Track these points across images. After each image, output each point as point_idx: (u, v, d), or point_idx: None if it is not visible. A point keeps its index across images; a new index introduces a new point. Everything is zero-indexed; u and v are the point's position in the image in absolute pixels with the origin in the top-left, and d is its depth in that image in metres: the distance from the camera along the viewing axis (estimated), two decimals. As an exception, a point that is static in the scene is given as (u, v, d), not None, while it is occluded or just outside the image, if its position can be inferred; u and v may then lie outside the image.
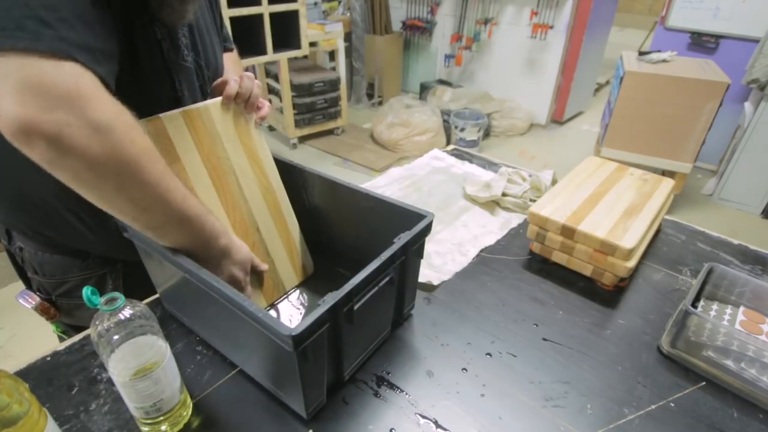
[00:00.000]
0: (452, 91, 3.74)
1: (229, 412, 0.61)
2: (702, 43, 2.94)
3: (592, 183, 0.98)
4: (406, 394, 0.64)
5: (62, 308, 0.82)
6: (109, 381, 0.64)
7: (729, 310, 0.77)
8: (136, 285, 0.76)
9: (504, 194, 1.10)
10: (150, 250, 0.63)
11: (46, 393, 0.62)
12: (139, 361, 0.51)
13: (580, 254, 0.85)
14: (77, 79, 0.45)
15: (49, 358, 0.68)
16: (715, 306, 0.78)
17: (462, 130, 3.35)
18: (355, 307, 0.56)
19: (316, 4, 3.65)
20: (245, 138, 0.76)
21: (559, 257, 0.89)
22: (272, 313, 0.78)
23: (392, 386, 0.65)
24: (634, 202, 0.91)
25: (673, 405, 0.63)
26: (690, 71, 2.41)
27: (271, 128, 3.82)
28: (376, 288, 0.59)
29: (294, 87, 3.27)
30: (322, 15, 3.77)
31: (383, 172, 1.31)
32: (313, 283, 0.85)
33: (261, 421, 0.60)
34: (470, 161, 1.34)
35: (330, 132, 3.68)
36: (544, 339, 0.74)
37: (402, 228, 0.64)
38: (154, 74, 0.67)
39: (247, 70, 0.93)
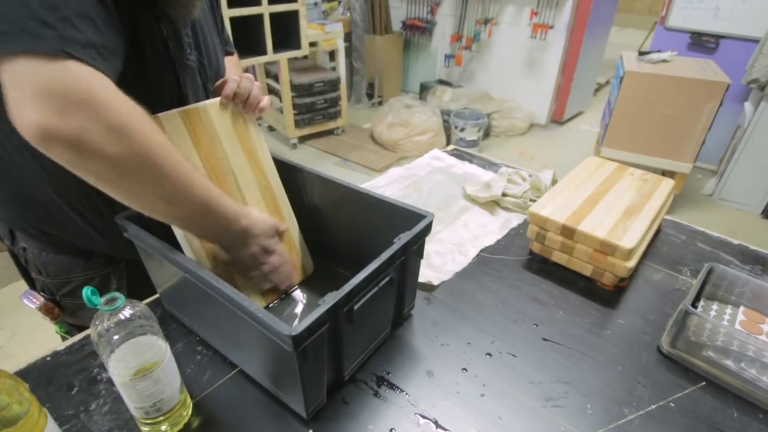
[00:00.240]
0: (452, 91, 3.74)
1: (229, 412, 0.61)
2: (702, 43, 2.94)
3: (592, 183, 0.98)
4: (406, 394, 0.64)
5: (66, 308, 0.83)
6: (109, 381, 0.64)
7: (729, 310, 0.77)
8: (140, 284, 0.77)
9: (504, 194, 1.10)
10: (150, 250, 0.63)
11: (46, 393, 0.62)
12: (139, 361, 0.51)
13: (580, 254, 0.85)
14: (88, 81, 0.46)
15: (49, 358, 0.68)
16: (715, 306, 0.78)
17: (462, 130, 3.35)
18: (355, 307, 0.56)
19: (316, 4, 3.65)
20: (244, 138, 0.76)
21: (559, 257, 0.89)
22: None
23: (392, 386, 0.65)
24: (634, 202, 0.91)
25: (673, 405, 0.63)
26: (690, 71, 2.41)
27: (271, 128, 3.82)
28: (376, 288, 0.59)
29: (294, 87, 3.27)
30: (322, 15, 3.77)
31: (383, 172, 1.31)
32: (313, 283, 0.85)
33: (261, 421, 0.60)
34: (470, 161, 1.34)
35: (330, 132, 3.68)
36: (544, 339, 0.74)
37: (402, 228, 0.64)
38: (159, 72, 0.67)
39: (246, 70, 0.93)
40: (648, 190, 0.96)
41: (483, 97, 3.73)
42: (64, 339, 0.85)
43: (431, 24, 4.15)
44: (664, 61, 2.56)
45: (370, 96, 4.42)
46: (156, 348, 0.52)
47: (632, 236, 0.80)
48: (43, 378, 0.65)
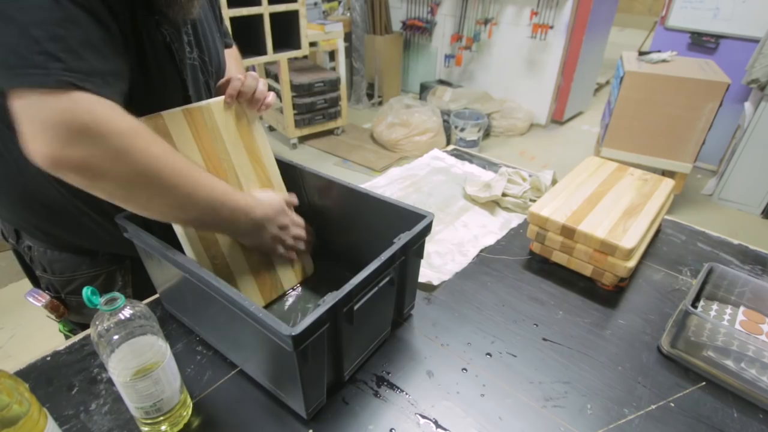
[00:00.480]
0: (452, 91, 3.74)
1: (229, 412, 0.61)
2: (702, 43, 2.95)
3: (592, 183, 0.98)
4: (406, 394, 0.64)
5: (71, 306, 0.83)
6: (109, 381, 0.64)
7: (729, 310, 0.77)
8: (146, 281, 0.77)
9: (504, 194, 1.10)
10: (150, 250, 0.63)
11: (46, 393, 0.62)
12: (139, 361, 0.51)
13: (580, 254, 0.85)
14: (92, 110, 0.48)
15: (49, 358, 0.68)
16: (715, 306, 0.78)
17: (462, 130, 3.35)
18: (355, 307, 0.56)
19: (316, 4, 3.65)
20: (247, 137, 0.76)
21: (559, 257, 0.89)
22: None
23: (392, 386, 0.65)
24: (634, 202, 0.91)
25: (673, 405, 0.63)
26: (690, 71, 2.41)
27: (271, 128, 3.82)
28: (376, 288, 0.59)
29: (294, 87, 3.28)
30: (322, 15, 3.77)
31: (383, 172, 1.31)
32: (313, 283, 0.85)
33: (261, 421, 0.60)
34: (470, 161, 1.34)
35: (330, 132, 3.68)
36: (544, 339, 0.74)
37: (402, 228, 0.64)
38: (163, 78, 0.68)
39: (247, 70, 0.93)
40: (648, 190, 0.96)
41: (483, 97, 3.73)
42: (67, 338, 0.86)
43: (431, 24, 4.15)
44: (664, 61, 2.56)
45: (370, 96, 4.42)
46: (156, 348, 0.52)
47: (632, 236, 0.80)
48: (43, 378, 0.65)
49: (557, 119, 3.97)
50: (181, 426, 0.58)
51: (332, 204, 0.82)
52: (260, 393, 0.63)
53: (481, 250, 0.95)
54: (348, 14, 4.11)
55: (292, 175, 0.83)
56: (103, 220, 0.74)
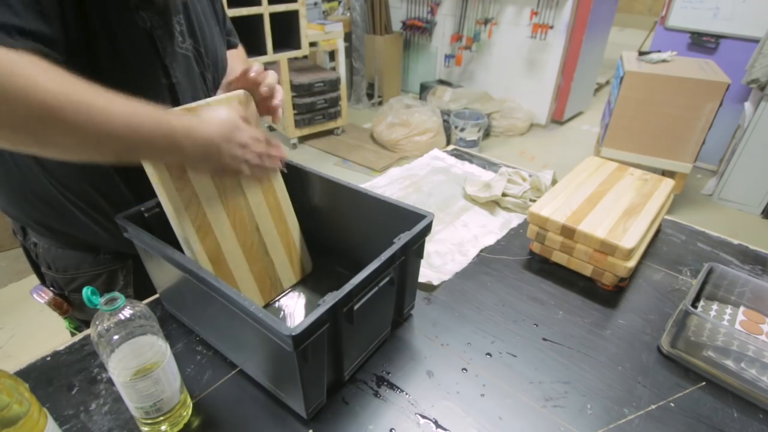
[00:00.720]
0: (452, 91, 3.74)
1: (229, 412, 0.61)
2: (702, 43, 2.94)
3: (592, 183, 0.98)
4: (406, 394, 0.64)
5: (75, 303, 0.84)
6: (109, 381, 0.64)
7: (729, 310, 0.77)
8: (147, 281, 0.77)
9: (504, 194, 1.11)
10: (150, 250, 0.63)
11: (46, 393, 0.62)
12: (139, 361, 0.51)
13: (580, 254, 0.85)
14: None
15: (49, 358, 0.68)
16: (715, 306, 0.78)
17: (462, 130, 3.35)
18: (355, 307, 0.56)
19: (316, 4, 3.65)
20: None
21: (559, 257, 0.89)
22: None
23: (392, 386, 0.65)
24: (634, 202, 0.91)
25: (673, 405, 0.63)
26: (690, 71, 2.41)
27: (270, 128, 3.82)
28: (376, 288, 0.59)
29: (294, 87, 3.27)
30: (322, 15, 3.77)
31: (383, 172, 1.31)
32: (313, 283, 0.85)
33: (261, 421, 0.60)
34: (470, 161, 1.34)
35: (330, 132, 3.68)
36: (544, 339, 0.74)
37: (402, 228, 0.64)
38: (142, 65, 0.66)
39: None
40: (648, 190, 0.96)
41: (483, 97, 3.73)
42: (72, 335, 0.87)
43: (431, 24, 4.15)
44: (664, 61, 2.56)
45: (370, 96, 4.42)
46: (156, 348, 0.52)
47: (632, 236, 0.80)
48: (43, 378, 0.65)
49: (557, 119, 3.97)
50: (181, 426, 0.58)
51: (332, 204, 0.82)
52: (260, 393, 0.63)
53: (481, 250, 0.95)
54: (348, 14, 4.11)
55: (292, 175, 0.83)
56: (97, 215, 0.74)
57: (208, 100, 0.68)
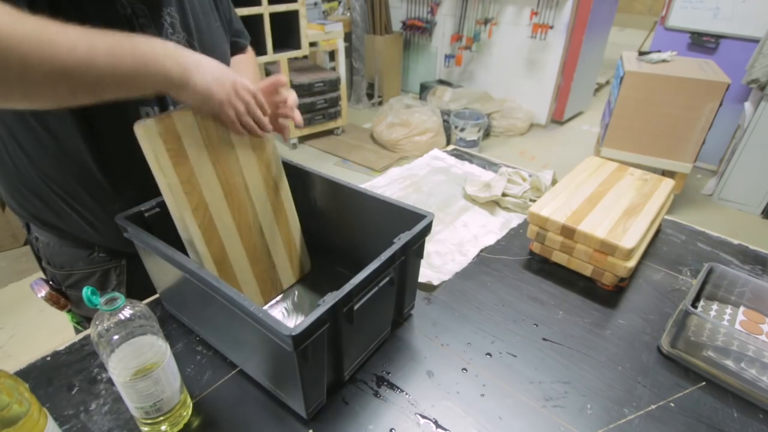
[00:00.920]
0: (452, 91, 3.74)
1: (229, 412, 0.61)
2: (702, 43, 2.94)
3: (592, 183, 0.98)
4: (406, 394, 0.64)
5: (72, 299, 0.84)
6: (109, 381, 0.64)
7: (729, 310, 0.77)
8: (140, 280, 0.77)
9: (504, 194, 1.11)
10: (150, 250, 0.63)
11: (46, 393, 0.62)
12: (139, 361, 0.51)
13: (580, 254, 0.85)
14: None
15: (49, 358, 0.68)
16: (715, 306, 0.78)
17: (462, 130, 3.35)
18: (355, 307, 0.56)
19: (316, 4, 3.65)
20: (258, 143, 0.74)
21: (559, 257, 0.89)
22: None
23: (392, 386, 0.65)
24: (634, 202, 0.91)
25: (673, 405, 0.63)
26: (690, 71, 2.41)
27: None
28: (376, 288, 0.59)
29: (294, 87, 3.27)
30: (322, 15, 3.77)
31: (383, 172, 1.31)
32: (313, 283, 0.85)
33: (261, 421, 0.60)
34: (470, 161, 1.34)
35: (330, 132, 3.68)
36: (544, 339, 0.74)
37: (402, 228, 0.64)
38: None
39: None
40: (648, 190, 0.96)
41: (483, 97, 3.73)
42: (76, 329, 0.89)
43: (431, 24, 4.15)
44: (664, 61, 2.56)
45: (370, 96, 4.42)
46: (156, 348, 0.52)
47: (632, 236, 0.80)
48: (43, 378, 0.65)
49: (557, 119, 3.97)
50: (181, 426, 0.58)
51: (332, 204, 0.82)
52: (260, 393, 0.63)
53: (481, 250, 0.95)
54: (348, 14, 4.11)
55: (292, 175, 0.83)
56: (82, 209, 0.75)
57: None
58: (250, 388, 0.64)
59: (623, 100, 2.53)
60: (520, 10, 3.62)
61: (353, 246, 0.80)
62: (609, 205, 0.89)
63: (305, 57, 3.34)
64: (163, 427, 0.56)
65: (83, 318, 0.88)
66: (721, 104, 2.33)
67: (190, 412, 0.60)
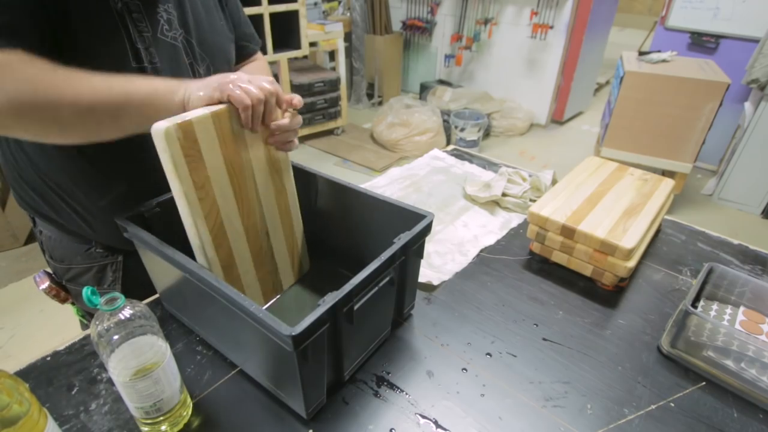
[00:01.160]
0: (452, 91, 3.74)
1: (229, 412, 0.61)
2: (702, 43, 2.94)
3: (592, 183, 0.98)
4: (406, 394, 0.64)
5: (72, 293, 0.86)
6: (109, 381, 0.64)
7: (729, 310, 0.77)
8: (135, 279, 0.77)
9: (504, 194, 1.11)
10: (150, 250, 0.63)
11: (46, 393, 0.62)
12: (139, 361, 0.51)
13: (580, 254, 0.85)
14: None
15: (49, 358, 0.68)
16: (715, 306, 0.78)
17: (462, 130, 3.35)
18: (355, 307, 0.56)
19: (316, 4, 3.65)
20: (266, 138, 0.72)
21: (559, 257, 0.89)
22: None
23: (392, 386, 0.65)
24: (634, 202, 0.91)
25: (673, 405, 0.63)
26: (690, 71, 2.41)
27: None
28: (376, 288, 0.59)
29: (294, 87, 3.27)
30: (322, 15, 3.77)
31: (383, 172, 1.31)
32: (313, 283, 0.85)
33: (261, 421, 0.60)
34: (470, 161, 1.34)
35: (330, 132, 3.68)
36: (544, 339, 0.74)
37: (402, 228, 0.64)
38: (105, 42, 0.65)
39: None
40: (648, 190, 0.96)
41: (483, 97, 3.73)
42: (81, 322, 0.91)
43: (431, 24, 4.15)
44: (664, 61, 2.56)
45: (370, 96, 4.42)
46: (156, 348, 0.52)
47: (632, 236, 0.80)
48: (43, 378, 0.65)
49: (557, 119, 3.97)
50: (181, 426, 0.58)
51: (332, 204, 0.82)
52: (260, 393, 0.63)
53: (481, 250, 0.95)
54: (348, 14, 4.11)
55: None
56: (75, 203, 0.76)
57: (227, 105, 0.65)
58: (250, 388, 0.64)
59: (623, 100, 2.53)
60: (520, 10, 3.62)
61: (353, 246, 0.80)
62: (609, 205, 0.89)
63: (305, 57, 3.34)
64: (163, 427, 0.56)
65: (87, 312, 0.89)
66: (721, 104, 2.33)
67: (190, 412, 0.60)
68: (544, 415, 0.62)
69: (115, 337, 0.49)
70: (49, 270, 0.87)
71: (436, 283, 0.85)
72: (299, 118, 0.72)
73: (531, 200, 1.10)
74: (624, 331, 0.76)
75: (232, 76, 0.62)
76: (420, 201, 1.13)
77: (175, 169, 0.57)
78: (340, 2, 4.19)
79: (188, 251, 0.61)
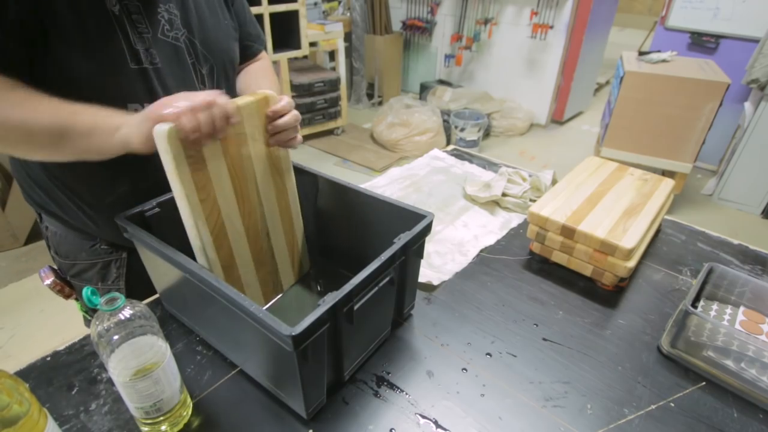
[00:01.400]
0: (452, 91, 3.74)
1: (229, 412, 0.61)
2: (702, 43, 2.94)
3: (592, 183, 0.98)
4: (406, 394, 0.64)
5: (76, 288, 0.86)
6: (109, 381, 0.64)
7: (729, 310, 0.77)
8: (139, 276, 0.78)
9: (504, 194, 1.11)
10: (150, 251, 0.63)
11: (46, 393, 0.62)
12: (139, 361, 0.51)
13: (580, 254, 0.85)
14: None
15: (49, 358, 0.68)
16: (715, 306, 0.78)
17: (462, 130, 3.35)
18: (355, 307, 0.56)
19: (316, 4, 3.65)
20: (268, 138, 0.72)
21: (559, 257, 0.89)
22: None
23: (392, 386, 0.65)
24: (634, 202, 0.91)
25: (673, 405, 0.63)
26: (690, 71, 2.41)
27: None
28: (376, 288, 0.59)
29: (294, 87, 3.27)
30: (322, 15, 3.77)
31: (383, 172, 1.31)
32: (313, 283, 0.85)
33: (261, 421, 0.60)
34: (470, 161, 1.34)
35: (330, 132, 3.68)
36: (544, 339, 0.74)
37: (402, 228, 0.64)
38: (102, 43, 0.65)
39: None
40: (648, 190, 0.96)
41: (483, 97, 3.73)
42: (84, 318, 0.91)
43: (431, 24, 4.15)
44: (664, 61, 2.56)
45: (370, 96, 4.42)
46: (156, 348, 0.52)
47: (632, 236, 0.80)
48: (43, 378, 0.65)
49: (557, 119, 3.97)
50: (181, 426, 0.58)
51: (332, 204, 0.82)
52: (260, 393, 0.63)
53: (481, 250, 0.95)
54: (348, 14, 4.11)
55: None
56: (80, 201, 0.77)
57: (235, 100, 0.64)
58: (250, 388, 0.64)
59: (623, 100, 2.53)
60: (520, 10, 3.62)
61: (353, 246, 0.80)
62: (609, 205, 0.89)
63: (305, 57, 3.34)
64: (163, 427, 0.56)
65: (90, 308, 0.89)
66: (721, 104, 2.33)
67: (190, 412, 0.60)
68: (544, 415, 0.62)
69: (115, 337, 0.49)
70: (54, 265, 0.88)
71: (436, 283, 0.85)
72: (297, 114, 0.72)
73: (531, 200, 1.10)
74: (624, 331, 0.76)
75: (164, 100, 0.58)
76: (420, 201, 1.13)
77: (177, 171, 0.57)
78: (340, 2, 4.19)
79: (188, 251, 0.61)
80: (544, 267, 0.91)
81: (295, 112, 0.71)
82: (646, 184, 0.98)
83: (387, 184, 1.20)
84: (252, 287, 0.75)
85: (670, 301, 0.83)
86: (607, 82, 4.88)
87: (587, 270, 0.85)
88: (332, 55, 3.80)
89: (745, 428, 0.61)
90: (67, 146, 0.60)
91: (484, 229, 1.02)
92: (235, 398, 0.63)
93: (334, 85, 3.44)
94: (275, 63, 3.11)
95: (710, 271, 0.78)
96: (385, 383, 0.66)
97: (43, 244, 2.41)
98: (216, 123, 0.58)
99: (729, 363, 0.66)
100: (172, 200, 0.70)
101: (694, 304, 0.71)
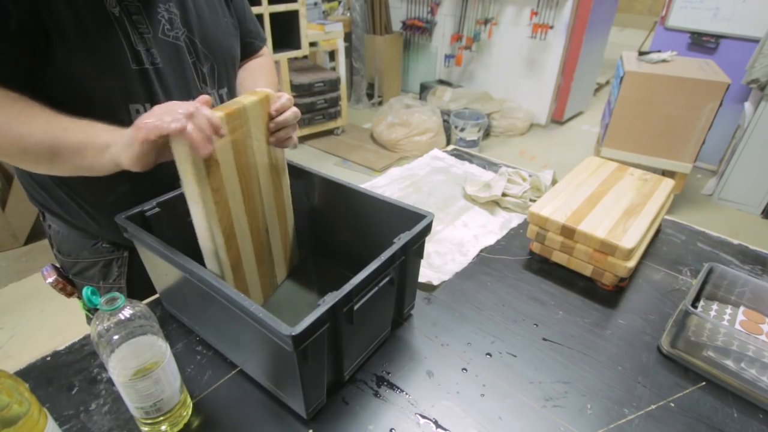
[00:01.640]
0: (452, 91, 3.74)
1: (229, 412, 0.61)
2: (702, 43, 2.94)
3: (592, 183, 0.98)
4: (406, 394, 0.64)
5: (78, 287, 0.87)
6: (109, 381, 0.64)
7: (729, 310, 0.77)
8: (140, 275, 0.77)
9: (504, 194, 1.11)
10: (150, 251, 0.63)
11: (46, 393, 0.62)
12: (139, 361, 0.51)
13: (580, 254, 0.85)
14: None
15: (49, 358, 0.68)
16: (715, 306, 0.78)
17: (462, 130, 3.35)
18: (355, 307, 0.56)
19: (316, 4, 3.65)
20: (269, 137, 0.72)
21: (559, 257, 0.89)
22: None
23: (392, 386, 0.65)
24: (634, 202, 0.91)
25: (673, 405, 0.63)
26: (690, 71, 2.41)
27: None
28: (376, 288, 0.59)
29: (294, 87, 3.27)
30: (322, 15, 3.77)
31: (383, 172, 1.31)
32: (314, 283, 0.85)
33: (261, 421, 0.60)
34: (470, 161, 1.34)
35: (330, 132, 3.68)
36: (544, 339, 0.74)
37: (402, 228, 0.64)
38: (102, 44, 0.65)
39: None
40: (648, 190, 0.96)
41: (483, 97, 3.73)
42: (87, 316, 0.90)
43: (431, 24, 4.15)
44: (664, 61, 2.56)
45: (370, 96, 4.42)
46: (156, 348, 0.52)
47: (632, 236, 0.80)
48: (43, 378, 0.65)
49: (557, 119, 3.97)
50: (181, 426, 0.58)
51: (332, 204, 0.82)
52: (260, 393, 0.63)
53: (481, 250, 0.95)
54: (348, 14, 4.11)
55: (292, 175, 0.83)
56: (81, 200, 0.77)
57: (239, 99, 0.64)
58: (250, 388, 0.64)
59: (623, 100, 2.53)
60: (520, 10, 3.62)
61: (353, 246, 0.80)
62: (609, 205, 0.89)
63: (305, 57, 3.34)
64: (163, 427, 0.56)
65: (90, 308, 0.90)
66: (721, 104, 2.33)
67: (190, 412, 0.60)
68: (544, 415, 0.62)
69: (115, 337, 0.49)
70: (56, 264, 0.88)
71: (436, 283, 0.85)
72: (297, 111, 0.72)
73: (531, 200, 1.10)
74: (624, 331, 0.76)
75: (145, 115, 0.55)
76: (420, 201, 1.13)
77: (196, 175, 0.56)
78: (340, 2, 4.19)
79: (188, 251, 0.61)
80: (544, 267, 0.91)
81: (294, 109, 0.71)
82: (646, 184, 0.98)
83: (387, 184, 1.20)
84: (254, 285, 0.75)
85: (670, 301, 0.83)
86: (607, 82, 4.88)
87: (587, 270, 0.85)
88: (332, 55, 3.80)
89: (745, 428, 0.61)
90: (60, 163, 0.61)
91: (484, 229, 1.02)
92: (235, 398, 0.63)
93: (334, 85, 3.44)
94: (275, 63, 3.11)
95: (710, 271, 0.78)
96: (385, 383, 0.66)
97: (43, 244, 2.42)
98: (206, 132, 0.55)
99: (729, 363, 0.66)
100: (172, 200, 0.71)
101: (694, 304, 0.71)
